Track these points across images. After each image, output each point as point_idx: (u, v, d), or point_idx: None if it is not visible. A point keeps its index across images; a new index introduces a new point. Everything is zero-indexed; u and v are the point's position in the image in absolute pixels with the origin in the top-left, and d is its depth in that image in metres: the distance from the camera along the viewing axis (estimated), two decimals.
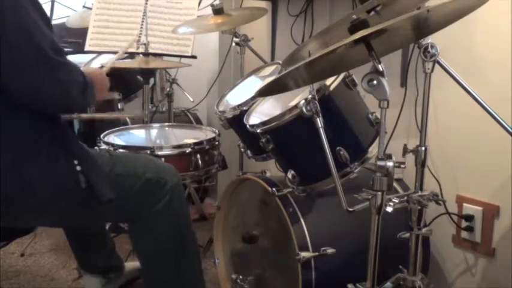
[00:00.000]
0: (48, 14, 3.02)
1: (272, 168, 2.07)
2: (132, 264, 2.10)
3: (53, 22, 3.08)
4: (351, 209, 1.38)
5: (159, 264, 1.66)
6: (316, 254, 1.57)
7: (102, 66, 2.38)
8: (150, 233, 1.64)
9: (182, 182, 1.88)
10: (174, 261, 1.66)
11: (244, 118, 1.72)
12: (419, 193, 1.50)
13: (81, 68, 1.52)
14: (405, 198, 1.48)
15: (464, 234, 1.85)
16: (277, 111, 1.56)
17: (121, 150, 1.98)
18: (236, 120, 1.83)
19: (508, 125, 1.46)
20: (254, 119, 1.70)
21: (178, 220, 1.66)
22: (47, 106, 1.43)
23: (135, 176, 1.59)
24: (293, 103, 1.52)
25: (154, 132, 2.36)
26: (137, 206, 1.61)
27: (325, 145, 1.41)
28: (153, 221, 1.62)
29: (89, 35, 2.44)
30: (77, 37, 2.74)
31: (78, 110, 1.55)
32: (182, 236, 1.68)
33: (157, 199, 1.61)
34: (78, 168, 1.46)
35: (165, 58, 2.46)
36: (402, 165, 1.35)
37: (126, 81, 2.80)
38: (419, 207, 1.49)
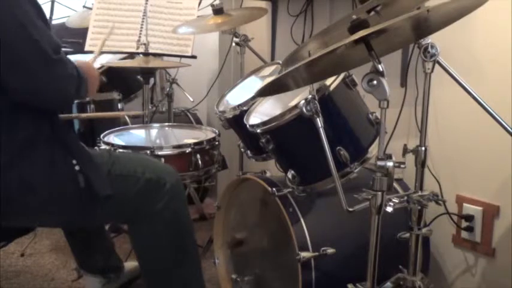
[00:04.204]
0: (48, 14, 3.02)
1: (272, 168, 2.07)
2: (132, 264, 2.10)
3: (53, 22, 3.09)
4: (351, 209, 1.38)
5: (159, 264, 1.65)
6: (316, 254, 1.56)
7: (102, 67, 2.39)
8: (150, 234, 1.63)
9: (182, 182, 1.88)
10: (174, 261, 1.65)
11: (244, 118, 1.72)
12: (419, 193, 1.50)
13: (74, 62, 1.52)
14: (405, 198, 1.48)
15: (464, 234, 1.85)
16: (277, 111, 1.56)
17: (121, 150, 1.98)
18: (236, 120, 1.83)
19: (508, 125, 1.46)
20: (254, 119, 1.70)
21: (178, 220, 1.66)
22: (44, 102, 1.43)
23: (135, 176, 1.59)
24: (293, 103, 1.52)
25: (154, 132, 2.35)
26: (137, 206, 1.61)
27: (325, 145, 1.41)
28: (153, 221, 1.61)
29: (89, 35, 2.44)
30: (77, 37, 2.74)
31: (73, 103, 1.55)
32: (182, 236, 1.68)
33: (157, 199, 1.60)
34: (77, 168, 1.47)
35: (165, 58, 2.46)
36: (402, 165, 1.35)
37: (126, 81, 2.80)
38: (419, 207, 1.49)
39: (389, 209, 1.34)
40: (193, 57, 2.43)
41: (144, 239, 1.66)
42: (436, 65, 1.45)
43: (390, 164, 1.24)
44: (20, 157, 1.40)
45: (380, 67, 1.19)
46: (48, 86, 1.40)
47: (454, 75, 1.48)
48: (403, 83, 1.95)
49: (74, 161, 1.47)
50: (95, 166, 1.50)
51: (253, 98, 1.80)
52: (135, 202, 1.60)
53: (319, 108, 1.42)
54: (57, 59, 1.41)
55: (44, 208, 1.47)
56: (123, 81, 2.75)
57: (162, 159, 1.95)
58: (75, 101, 2.36)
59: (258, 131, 1.58)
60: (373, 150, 1.54)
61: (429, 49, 1.41)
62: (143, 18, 2.43)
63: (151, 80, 2.71)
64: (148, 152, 1.95)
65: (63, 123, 1.52)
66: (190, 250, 1.70)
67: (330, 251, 1.57)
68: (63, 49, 1.47)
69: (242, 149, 2.00)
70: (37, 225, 2.11)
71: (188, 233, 1.71)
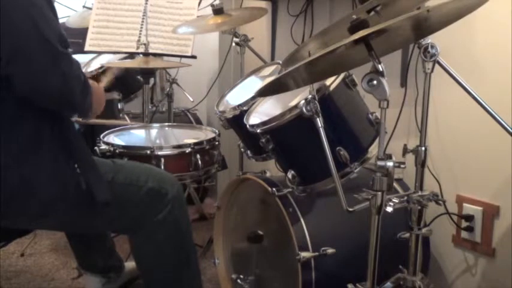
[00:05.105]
0: None
1: (272, 168, 2.07)
2: (132, 264, 2.09)
3: None
4: (351, 209, 1.38)
5: (159, 272, 1.65)
6: (316, 254, 1.57)
7: (101, 66, 2.39)
8: (151, 243, 1.63)
9: (182, 182, 1.88)
10: (174, 271, 1.65)
11: (244, 118, 1.72)
12: (419, 193, 1.50)
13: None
14: (405, 198, 1.48)
15: (464, 234, 1.85)
16: (277, 111, 1.56)
17: (121, 150, 1.98)
18: (236, 120, 1.83)
19: (508, 125, 1.46)
20: (254, 119, 1.70)
21: (179, 230, 1.65)
22: (48, 98, 1.41)
23: (138, 185, 1.58)
24: (293, 103, 1.52)
25: (154, 132, 2.35)
26: (139, 215, 1.60)
27: (325, 145, 1.41)
28: (154, 231, 1.60)
29: (89, 35, 2.44)
30: (77, 37, 2.74)
31: (78, 109, 1.53)
32: (183, 246, 1.67)
33: (158, 209, 1.60)
34: (79, 171, 1.46)
35: (165, 58, 2.46)
36: (402, 165, 1.35)
37: (126, 81, 2.80)
38: (419, 207, 1.50)
39: (389, 209, 1.34)
40: (193, 57, 2.43)
41: (145, 249, 1.65)
42: (436, 65, 1.45)
43: (390, 164, 1.24)
44: (22, 156, 1.40)
45: (380, 67, 1.19)
46: (52, 79, 1.37)
47: (454, 75, 1.48)
48: (403, 83, 1.95)
49: (76, 165, 1.46)
50: (96, 171, 1.49)
51: (253, 98, 1.80)
52: (137, 211, 1.60)
53: (319, 108, 1.42)
54: (64, 53, 1.39)
55: (45, 210, 1.46)
56: (123, 81, 2.75)
57: (162, 160, 1.95)
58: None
59: (258, 131, 1.58)
60: (373, 150, 1.54)
61: (429, 49, 1.41)
62: (143, 18, 2.43)
63: (151, 80, 2.71)
64: (148, 151, 1.95)
65: (68, 127, 1.50)
66: (189, 259, 1.69)
67: (330, 251, 1.57)
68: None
69: (242, 149, 2.00)
70: (37, 228, 2.11)
71: (189, 242, 1.71)
